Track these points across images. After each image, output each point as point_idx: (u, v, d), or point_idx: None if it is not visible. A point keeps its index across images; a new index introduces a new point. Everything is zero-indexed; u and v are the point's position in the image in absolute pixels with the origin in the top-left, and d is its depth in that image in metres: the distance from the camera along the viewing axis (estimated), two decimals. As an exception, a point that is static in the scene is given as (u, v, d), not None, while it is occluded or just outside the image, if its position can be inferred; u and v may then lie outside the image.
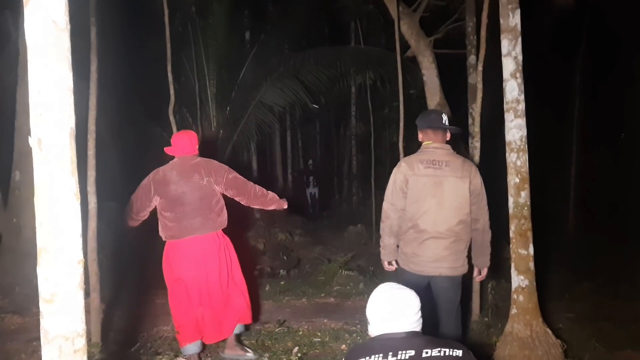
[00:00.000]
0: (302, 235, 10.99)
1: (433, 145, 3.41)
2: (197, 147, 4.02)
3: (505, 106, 3.63)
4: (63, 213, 1.68)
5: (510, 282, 3.75)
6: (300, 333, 4.86)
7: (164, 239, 4.00)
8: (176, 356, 4.09)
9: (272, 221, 11.56)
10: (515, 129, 3.57)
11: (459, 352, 2.06)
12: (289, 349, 4.36)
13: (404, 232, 3.43)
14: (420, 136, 3.53)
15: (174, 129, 6.89)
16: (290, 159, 15.69)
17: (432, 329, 3.00)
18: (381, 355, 2.04)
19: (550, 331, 3.51)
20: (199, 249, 3.86)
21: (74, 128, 1.75)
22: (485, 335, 4.58)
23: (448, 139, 3.45)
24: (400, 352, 2.04)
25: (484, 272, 3.56)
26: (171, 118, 6.89)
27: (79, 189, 1.75)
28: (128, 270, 8.07)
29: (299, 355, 3.97)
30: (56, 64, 1.67)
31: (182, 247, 3.87)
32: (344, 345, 4.47)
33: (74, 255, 1.72)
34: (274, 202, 4.26)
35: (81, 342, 1.74)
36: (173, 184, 3.85)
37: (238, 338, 4.23)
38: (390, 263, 3.54)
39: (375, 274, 6.97)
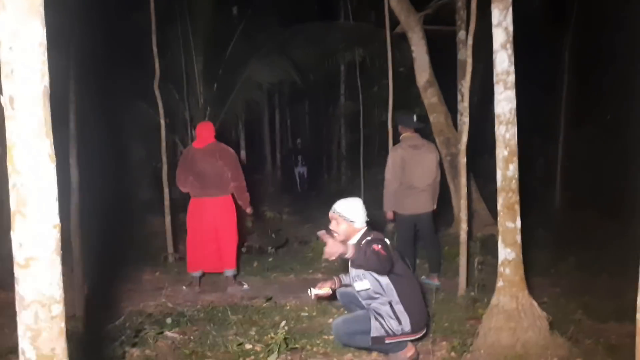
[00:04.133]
0: (291, 214, 10.97)
1: (411, 135, 5.55)
2: (214, 134, 5.59)
3: (495, 78, 3.58)
4: (37, 175, 1.62)
5: (496, 257, 3.75)
6: (288, 308, 4.85)
7: (191, 196, 5.58)
8: (160, 333, 4.05)
9: (261, 199, 11.52)
10: (504, 101, 3.53)
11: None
12: (277, 323, 4.35)
13: (403, 190, 5.44)
14: (400, 128, 5.64)
15: (160, 104, 6.80)
16: (279, 138, 15.60)
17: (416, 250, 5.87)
18: (382, 238, 3.47)
19: (536, 303, 3.51)
20: (212, 206, 5.49)
21: (48, 87, 1.68)
22: (471, 309, 4.59)
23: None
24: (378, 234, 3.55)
25: (435, 206, 5.72)
26: (156, 93, 6.80)
27: (53, 151, 1.69)
28: (117, 247, 8.01)
29: (286, 329, 3.95)
30: (28, 19, 1.60)
31: (201, 204, 5.53)
32: (330, 319, 4.46)
33: (49, 218, 1.67)
34: (245, 201, 5.68)
35: (58, 309, 1.69)
36: (198, 162, 5.47)
37: (234, 277, 5.70)
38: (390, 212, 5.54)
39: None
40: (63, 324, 1.71)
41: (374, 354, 3.71)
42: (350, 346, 3.71)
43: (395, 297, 3.44)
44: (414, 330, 3.48)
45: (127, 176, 10.76)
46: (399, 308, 3.43)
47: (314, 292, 3.85)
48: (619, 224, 7.04)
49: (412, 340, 3.58)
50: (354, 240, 3.53)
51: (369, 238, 3.46)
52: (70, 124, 4.00)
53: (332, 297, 3.99)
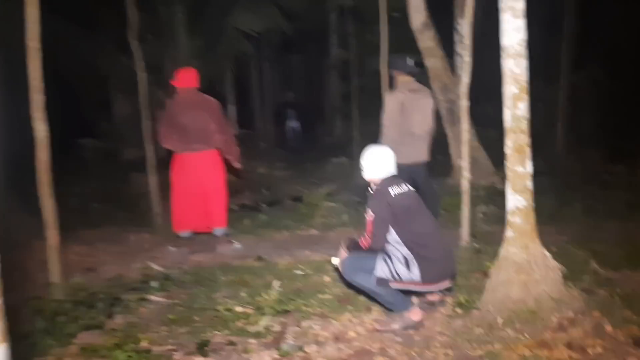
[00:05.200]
0: (284, 169, 10.67)
1: (408, 79, 5.23)
2: (197, 80, 5.21)
3: (501, 6, 3.19)
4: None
5: (499, 207, 3.46)
6: (281, 267, 4.59)
7: (174, 152, 5.22)
8: (143, 298, 3.79)
9: (253, 155, 11.18)
10: (513, 32, 3.14)
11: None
12: (269, 284, 4.09)
13: (401, 137, 5.01)
14: (394, 73, 5.34)
15: (137, 55, 6.34)
16: (270, 92, 15.08)
17: None
18: (396, 185, 3.40)
19: (548, 254, 3.23)
20: (197, 161, 5.15)
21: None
22: (475, 260, 4.34)
23: None
24: (401, 184, 3.45)
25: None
26: (132, 44, 6.31)
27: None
28: (103, 207, 7.73)
29: (278, 289, 3.68)
30: None
31: (185, 159, 5.16)
32: (327, 277, 4.21)
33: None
34: (234, 155, 5.36)
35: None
36: (179, 115, 5.11)
37: (224, 236, 5.42)
38: None
39: (359, 205, 6.68)
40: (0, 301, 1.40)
41: (375, 313, 3.47)
42: (355, 285, 3.42)
43: (404, 249, 3.27)
44: (424, 281, 3.25)
45: (112, 133, 10.38)
46: (410, 257, 3.25)
47: (336, 261, 3.54)
48: (625, 167, 6.78)
49: (424, 295, 3.51)
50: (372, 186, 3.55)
51: (374, 189, 3.47)
52: (32, 73, 3.59)
53: None
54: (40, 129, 3.66)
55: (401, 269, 3.23)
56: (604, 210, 5.54)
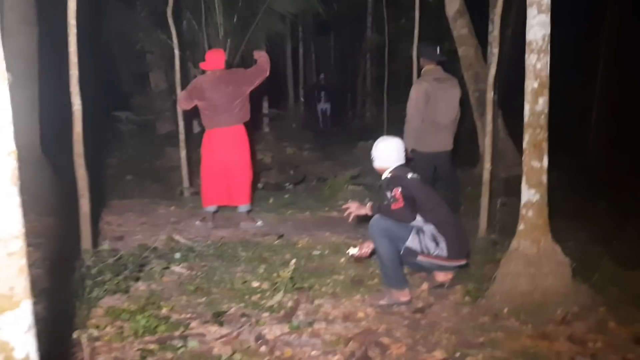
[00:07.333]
0: (312, 150, 10.78)
1: (434, 68, 5.24)
2: (224, 62, 5.35)
3: (528, 0, 3.20)
4: (-19, 94, 1.41)
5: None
6: (300, 246, 4.73)
7: (205, 128, 5.45)
8: (166, 267, 3.98)
9: (282, 135, 11.33)
10: (537, 27, 3.15)
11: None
12: (287, 261, 4.24)
13: (425, 126, 5.14)
14: (422, 61, 5.40)
15: (173, 32, 6.51)
16: (303, 73, 15.14)
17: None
18: (411, 173, 3.65)
19: (559, 249, 3.27)
20: (225, 136, 5.28)
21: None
22: (490, 252, 4.39)
23: None
24: (410, 171, 3.68)
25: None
26: (169, 20, 6.49)
27: (4, 66, 1.47)
28: (134, 180, 7.99)
29: (293, 267, 3.81)
30: None
31: (214, 135, 5.31)
32: (343, 259, 4.33)
33: (2, 145, 1.47)
34: (264, 62, 5.37)
35: (17, 245, 1.52)
36: (207, 91, 5.22)
37: (248, 213, 5.56)
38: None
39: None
40: (23, 261, 1.55)
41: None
42: (376, 246, 3.55)
43: (430, 226, 3.54)
44: (450, 257, 3.54)
45: (147, 107, 10.64)
46: (437, 234, 3.52)
47: (353, 252, 3.75)
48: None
49: (433, 277, 3.74)
50: (384, 175, 3.74)
51: (389, 176, 3.64)
52: (70, 49, 3.77)
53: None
54: (76, 102, 3.84)
55: (430, 245, 3.51)
56: (629, 210, 5.47)
